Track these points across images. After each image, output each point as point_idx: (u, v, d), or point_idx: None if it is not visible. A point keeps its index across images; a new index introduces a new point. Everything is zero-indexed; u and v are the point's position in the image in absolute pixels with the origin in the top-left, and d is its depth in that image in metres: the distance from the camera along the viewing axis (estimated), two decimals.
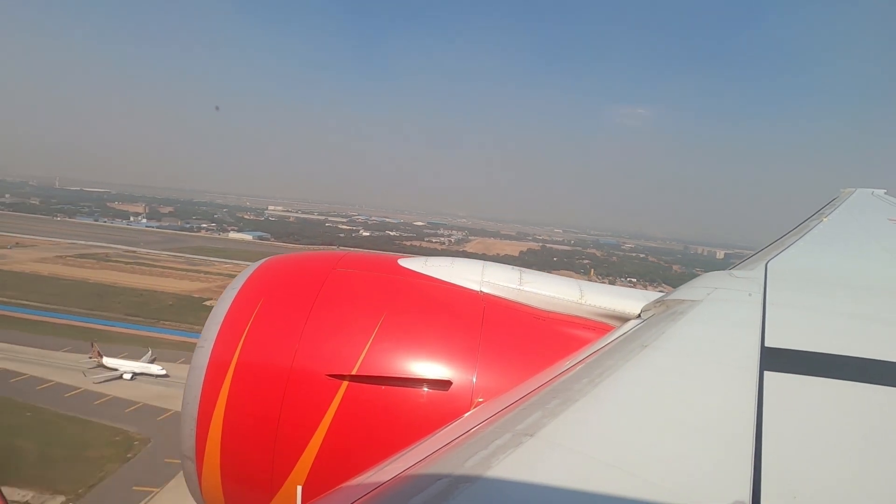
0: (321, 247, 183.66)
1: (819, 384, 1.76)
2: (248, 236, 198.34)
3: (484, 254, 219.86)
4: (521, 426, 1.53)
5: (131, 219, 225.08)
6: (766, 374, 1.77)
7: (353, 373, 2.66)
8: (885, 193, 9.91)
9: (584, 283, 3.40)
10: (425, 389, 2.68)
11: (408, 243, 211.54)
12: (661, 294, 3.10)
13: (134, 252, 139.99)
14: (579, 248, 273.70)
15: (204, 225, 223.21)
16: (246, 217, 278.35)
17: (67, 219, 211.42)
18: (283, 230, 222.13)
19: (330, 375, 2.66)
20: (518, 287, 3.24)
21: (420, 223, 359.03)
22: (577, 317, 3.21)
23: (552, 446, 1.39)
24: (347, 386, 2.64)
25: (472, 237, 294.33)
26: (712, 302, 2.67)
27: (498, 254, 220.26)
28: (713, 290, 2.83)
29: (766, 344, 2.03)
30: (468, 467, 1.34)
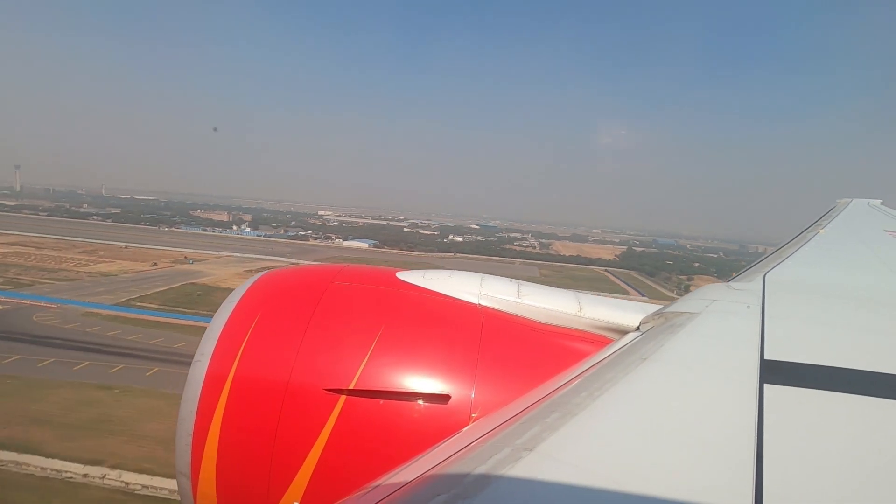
0: (437, 254, 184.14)
1: (819, 397, 1.75)
2: (363, 244, 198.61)
3: (578, 255, 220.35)
4: (521, 440, 1.52)
5: (234, 228, 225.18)
6: (766, 386, 1.77)
7: (351, 387, 2.64)
8: (882, 204, 9.79)
9: (583, 296, 3.40)
10: (424, 403, 2.66)
11: (507, 247, 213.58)
12: (660, 306, 3.08)
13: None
14: (652, 250, 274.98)
15: (309, 233, 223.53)
16: (314, 223, 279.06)
17: (175, 229, 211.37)
18: (387, 238, 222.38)
19: (327, 390, 2.63)
20: (517, 300, 3.25)
21: (475, 226, 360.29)
22: (576, 329, 3.20)
23: (551, 461, 1.38)
24: (345, 400, 2.62)
25: (543, 241, 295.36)
26: (711, 314, 2.65)
27: (590, 256, 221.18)
28: (711, 303, 2.82)
29: (766, 356, 2.01)
30: (467, 482, 1.33)
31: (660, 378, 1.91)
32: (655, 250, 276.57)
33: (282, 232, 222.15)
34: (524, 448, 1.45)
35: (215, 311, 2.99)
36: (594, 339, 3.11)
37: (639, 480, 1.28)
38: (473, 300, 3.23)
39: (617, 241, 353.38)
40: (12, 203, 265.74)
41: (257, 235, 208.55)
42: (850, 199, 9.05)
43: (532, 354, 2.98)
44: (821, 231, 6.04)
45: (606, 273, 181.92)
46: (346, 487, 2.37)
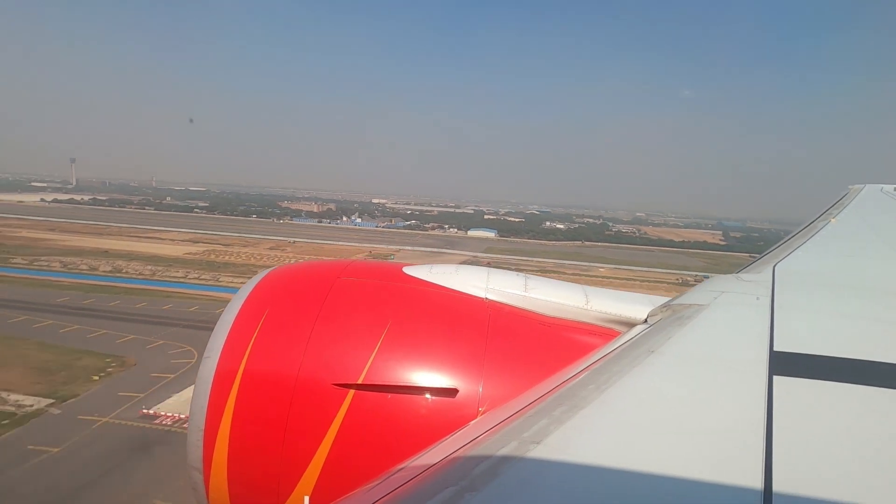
0: (567, 243, 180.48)
1: (829, 388, 1.74)
2: (488, 233, 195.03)
3: (671, 240, 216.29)
4: (528, 434, 1.52)
5: (343, 219, 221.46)
6: (776, 378, 1.75)
7: (360, 381, 2.65)
8: (895, 189, 9.32)
9: (590, 289, 3.32)
10: (431, 397, 2.67)
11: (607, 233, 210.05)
12: (668, 298, 3.01)
13: (509, 259, 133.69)
14: (754, 234, 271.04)
15: (412, 223, 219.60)
16: (381, 209, 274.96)
17: (290, 221, 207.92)
18: (506, 228, 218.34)
19: (336, 384, 2.64)
20: (523, 293, 3.21)
21: (536, 212, 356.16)
22: (583, 322, 3.14)
23: (559, 454, 1.38)
24: (354, 395, 2.63)
25: (630, 227, 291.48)
26: (720, 306, 2.61)
27: (686, 240, 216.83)
28: (720, 294, 2.76)
29: (775, 348, 2.01)
30: (475, 476, 1.34)
31: (668, 370, 1.90)
32: (756, 234, 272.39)
33: (391, 222, 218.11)
34: (532, 441, 1.45)
35: None
36: (602, 332, 3.08)
37: (647, 473, 1.28)
38: (480, 294, 3.21)
39: (684, 225, 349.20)
40: (103, 197, 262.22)
41: (374, 226, 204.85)
42: (862, 186, 8.35)
43: (539, 348, 2.97)
44: (832, 220, 5.67)
45: (750, 257, 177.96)
46: (355, 481, 2.40)
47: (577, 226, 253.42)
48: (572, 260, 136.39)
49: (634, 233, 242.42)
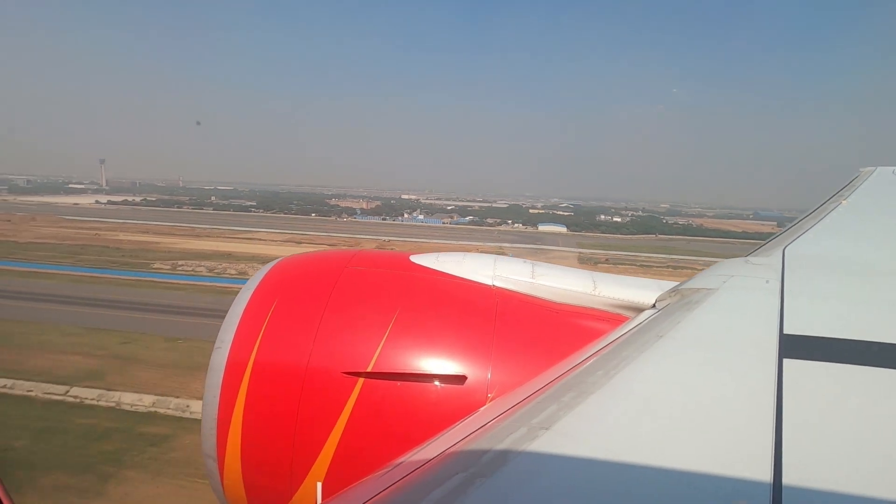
0: (636, 237, 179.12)
1: (839, 371, 1.73)
2: (560, 228, 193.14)
3: (732, 231, 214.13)
4: (537, 420, 1.52)
5: (405, 215, 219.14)
6: (786, 361, 1.74)
7: (369, 370, 2.67)
8: None
9: (597, 275, 3.31)
10: (440, 385, 2.68)
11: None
12: (677, 283, 2.97)
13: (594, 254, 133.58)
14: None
15: (470, 219, 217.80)
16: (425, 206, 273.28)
17: (352, 218, 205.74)
18: (573, 221, 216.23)
19: (346, 373, 2.67)
20: (531, 280, 3.20)
21: (570, 204, 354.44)
22: (591, 308, 3.13)
23: (568, 439, 1.38)
24: (363, 383, 2.65)
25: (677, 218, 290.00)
26: (729, 290, 2.57)
27: (745, 230, 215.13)
28: (729, 278, 2.72)
29: (785, 331, 2.00)
30: (484, 461, 1.34)
31: (676, 355, 1.89)
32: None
33: (454, 219, 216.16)
34: (541, 427, 1.45)
35: None
36: (610, 318, 3.07)
37: (656, 458, 1.27)
38: (487, 282, 3.22)
39: (717, 215, 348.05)
40: (152, 198, 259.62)
41: (439, 223, 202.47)
42: (873, 168, 8.14)
43: (547, 334, 2.97)
44: (843, 202, 5.60)
45: None
46: (366, 467, 2.42)
47: (629, 219, 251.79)
48: (678, 255, 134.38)
49: (691, 224, 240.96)
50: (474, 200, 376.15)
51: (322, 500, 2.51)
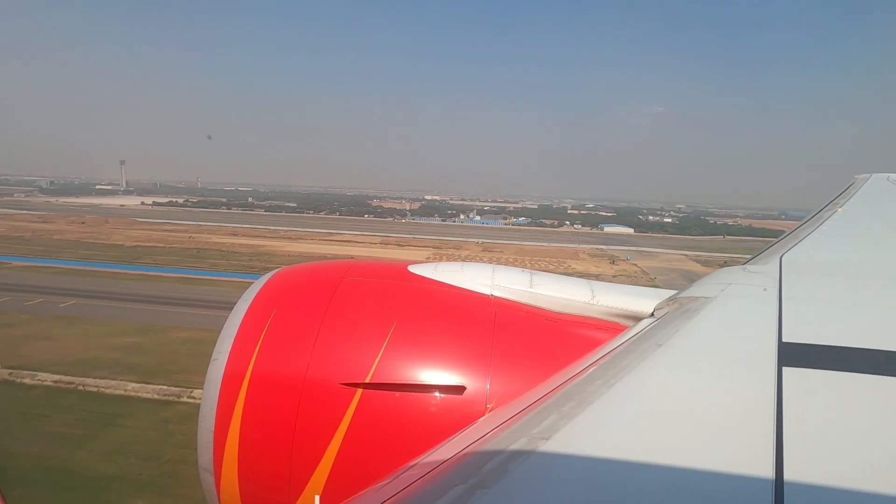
0: (699, 238, 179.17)
1: (839, 378, 1.73)
2: (626, 230, 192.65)
3: (763, 228, 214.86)
4: (537, 430, 1.52)
5: (461, 217, 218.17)
6: (785, 369, 1.74)
7: (367, 381, 2.66)
8: None
9: (595, 283, 3.32)
10: (439, 395, 2.67)
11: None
12: (675, 292, 2.96)
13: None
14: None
15: (524, 220, 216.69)
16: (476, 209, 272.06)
17: (412, 220, 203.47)
18: (636, 223, 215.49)
19: (344, 384, 2.65)
20: (529, 289, 3.20)
21: (592, 204, 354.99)
22: (589, 317, 3.13)
23: (568, 449, 1.37)
24: (361, 394, 2.64)
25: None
26: (727, 298, 2.55)
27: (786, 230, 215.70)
28: (727, 286, 2.71)
29: (784, 339, 1.99)
30: (484, 472, 1.34)
31: (676, 364, 1.89)
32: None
33: (510, 221, 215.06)
34: (540, 437, 1.45)
35: None
36: (608, 327, 3.08)
37: (656, 467, 1.26)
38: (486, 291, 3.21)
39: (753, 214, 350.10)
40: (194, 199, 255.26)
41: (498, 224, 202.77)
42: (868, 175, 8.26)
43: (546, 343, 2.96)
44: (839, 209, 5.66)
45: None
46: (365, 480, 2.40)
47: (674, 220, 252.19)
48: None
49: (738, 224, 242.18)
50: (501, 201, 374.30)
51: None
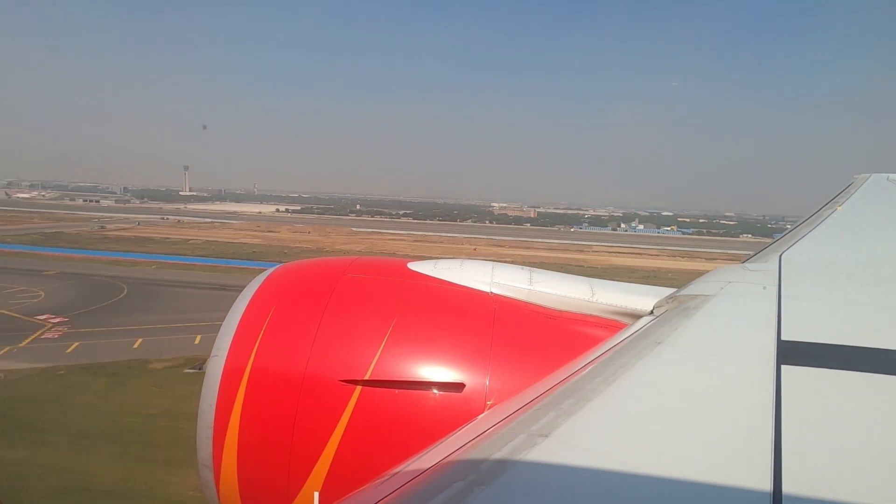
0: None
1: (838, 377, 1.73)
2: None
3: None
4: (536, 427, 1.52)
5: (622, 226, 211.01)
6: (784, 367, 1.74)
7: (367, 377, 2.67)
8: None
9: (595, 281, 3.32)
10: (439, 392, 2.67)
11: None
12: (674, 290, 2.97)
13: None
14: None
15: (669, 228, 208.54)
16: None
17: (570, 228, 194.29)
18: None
19: (343, 381, 2.66)
20: (528, 287, 3.20)
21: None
22: (589, 315, 3.13)
23: (567, 446, 1.38)
24: (361, 391, 2.65)
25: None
26: (726, 296, 2.56)
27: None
28: (726, 284, 2.71)
29: (783, 337, 2.00)
30: (483, 469, 1.34)
31: (674, 361, 1.89)
32: None
33: (673, 229, 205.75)
34: (539, 434, 1.45)
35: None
36: (608, 325, 3.07)
37: (655, 465, 1.27)
38: (485, 288, 3.21)
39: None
40: (319, 207, 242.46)
41: (659, 233, 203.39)
42: (868, 175, 7.83)
43: (545, 341, 2.97)
44: (838, 208, 5.59)
45: None
46: (364, 476, 2.38)
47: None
48: None
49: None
50: (613, 211, 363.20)
51: None
